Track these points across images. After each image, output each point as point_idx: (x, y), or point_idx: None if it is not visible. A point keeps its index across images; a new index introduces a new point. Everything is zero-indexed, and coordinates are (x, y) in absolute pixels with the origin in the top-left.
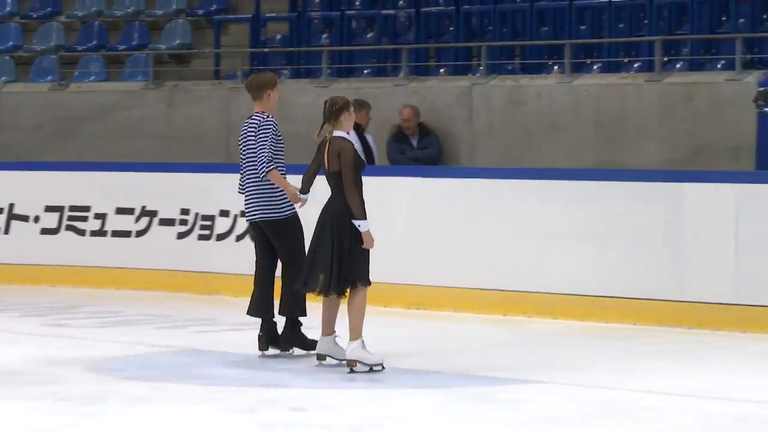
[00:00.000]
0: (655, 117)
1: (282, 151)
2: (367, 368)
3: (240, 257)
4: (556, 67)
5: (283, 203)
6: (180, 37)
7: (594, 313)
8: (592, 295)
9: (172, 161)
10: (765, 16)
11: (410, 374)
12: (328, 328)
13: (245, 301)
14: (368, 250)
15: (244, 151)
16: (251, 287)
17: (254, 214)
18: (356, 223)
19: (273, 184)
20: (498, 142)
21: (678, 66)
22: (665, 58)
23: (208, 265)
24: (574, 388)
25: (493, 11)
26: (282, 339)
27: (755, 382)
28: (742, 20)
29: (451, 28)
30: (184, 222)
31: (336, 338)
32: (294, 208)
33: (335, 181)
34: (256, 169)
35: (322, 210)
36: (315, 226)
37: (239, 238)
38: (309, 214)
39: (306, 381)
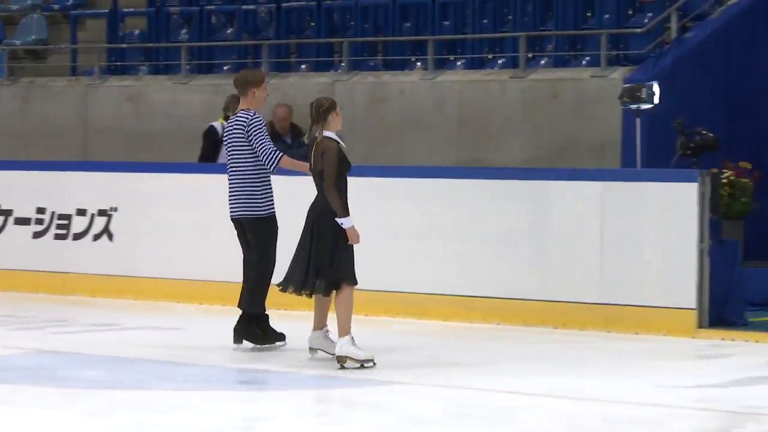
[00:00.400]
0: (520, 114)
1: None
2: (358, 364)
3: (97, 257)
4: (418, 63)
5: (265, 202)
6: (36, 33)
7: (458, 313)
8: (456, 294)
9: (28, 159)
10: (630, 12)
11: (273, 376)
12: (319, 323)
13: (103, 302)
14: (352, 250)
15: (229, 149)
16: (108, 287)
17: (236, 211)
18: (339, 221)
19: (258, 181)
20: (360, 139)
21: (542, 62)
22: (529, 54)
23: (64, 265)
24: (438, 389)
25: (354, 6)
26: (234, 331)
27: (621, 382)
28: (607, 16)
29: (312, 24)
30: (40, 221)
31: (327, 333)
32: (274, 209)
33: (320, 181)
34: (264, 164)
35: (308, 210)
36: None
37: (96, 237)
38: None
39: (166, 383)
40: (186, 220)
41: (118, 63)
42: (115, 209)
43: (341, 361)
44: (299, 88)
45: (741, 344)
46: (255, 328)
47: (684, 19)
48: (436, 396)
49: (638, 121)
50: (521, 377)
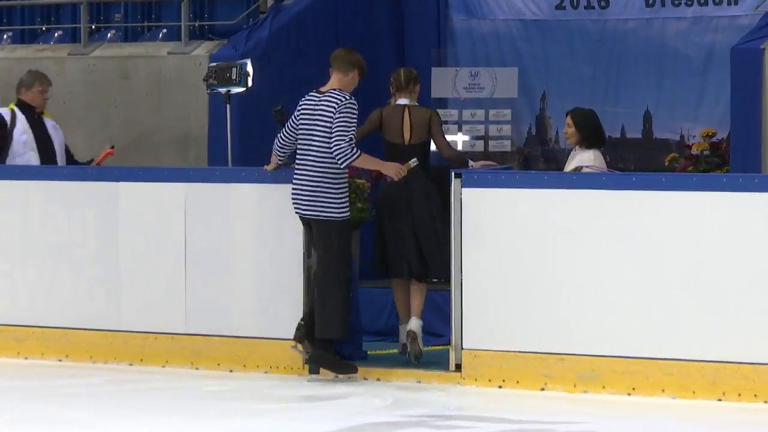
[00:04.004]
0: (82, 99)
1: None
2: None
3: None
4: None
5: (343, 202)
6: None
7: (9, 347)
8: (4, 324)
9: None
10: None
11: None
12: (408, 314)
13: None
14: None
15: (308, 132)
16: None
17: (307, 209)
18: (470, 164)
19: (335, 178)
20: None
21: (109, 35)
22: (93, 26)
23: None
24: None
25: None
26: (311, 359)
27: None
28: None
29: None
30: None
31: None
32: (349, 211)
33: (416, 154)
34: (330, 155)
35: (391, 191)
36: (383, 208)
37: None
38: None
39: None
40: None
41: None
42: None
43: (412, 336)
44: None
45: (360, 383)
46: (333, 356)
47: None
48: None
49: (228, 108)
50: (78, 428)
